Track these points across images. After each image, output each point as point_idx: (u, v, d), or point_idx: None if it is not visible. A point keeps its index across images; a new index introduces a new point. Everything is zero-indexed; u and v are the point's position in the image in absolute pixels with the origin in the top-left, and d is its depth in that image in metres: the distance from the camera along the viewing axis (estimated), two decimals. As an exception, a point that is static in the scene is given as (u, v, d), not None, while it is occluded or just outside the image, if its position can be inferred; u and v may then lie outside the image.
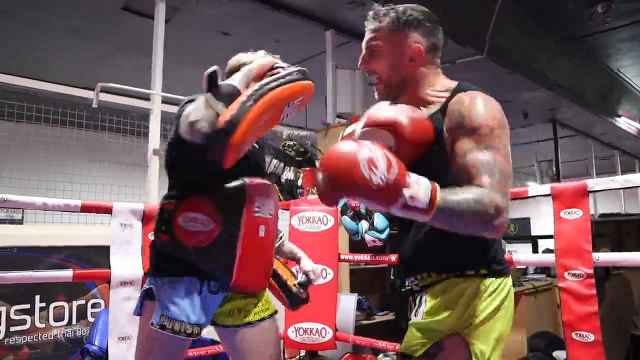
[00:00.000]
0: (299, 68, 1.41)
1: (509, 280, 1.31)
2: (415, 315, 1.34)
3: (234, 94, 1.32)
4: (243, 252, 1.53)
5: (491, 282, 1.26)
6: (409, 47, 1.32)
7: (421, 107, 1.32)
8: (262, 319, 1.67)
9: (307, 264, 1.89)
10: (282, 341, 3.42)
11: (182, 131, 1.33)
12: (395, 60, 1.33)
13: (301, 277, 1.85)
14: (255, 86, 1.33)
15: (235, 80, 1.37)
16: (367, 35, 1.37)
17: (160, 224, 1.55)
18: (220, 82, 1.33)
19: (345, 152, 1.03)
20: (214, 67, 1.32)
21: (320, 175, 1.06)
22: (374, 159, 1.01)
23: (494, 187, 1.11)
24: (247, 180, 1.58)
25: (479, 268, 1.27)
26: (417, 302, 1.36)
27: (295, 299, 1.85)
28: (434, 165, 1.23)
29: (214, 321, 1.65)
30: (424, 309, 1.30)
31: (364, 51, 1.38)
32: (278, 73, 1.38)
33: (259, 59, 1.53)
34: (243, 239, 1.53)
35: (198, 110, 1.29)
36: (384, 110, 1.27)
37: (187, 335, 1.50)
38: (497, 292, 1.26)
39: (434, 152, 1.25)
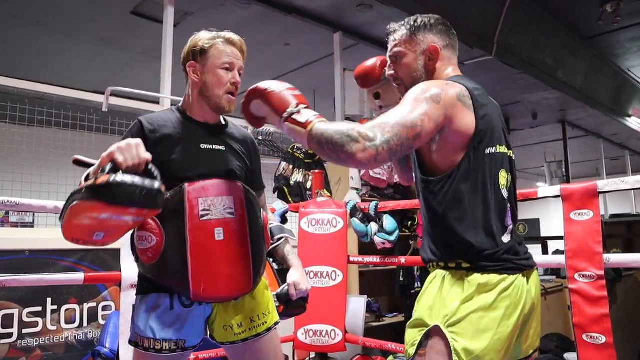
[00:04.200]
0: (99, 184, 1.18)
1: (508, 280, 1.25)
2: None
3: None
4: (196, 260, 1.45)
5: (477, 278, 1.24)
6: (427, 46, 1.44)
7: None
8: (259, 335, 1.60)
9: (292, 274, 1.68)
10: (289, 348, 3.42)
11: None
12: (418, 59, 1.45)
13: (281, 289, 1.66)
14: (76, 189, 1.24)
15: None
16: (389, 47, 1.50)
17: (131, 245, 1.56)
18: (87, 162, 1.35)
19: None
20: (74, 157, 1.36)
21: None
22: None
23: (370, 124, 1.20)
24: (185, 184, 1.49)
25: (462, 262, 1.27)
26: None
27: None
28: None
29: (214, 338, 1.63)
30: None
31: (388, 61, 1.51)
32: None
33: (114, 146, 1.26)
34: (192, 247, 1.45)
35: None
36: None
37: (157, 352, 1.46)
38: (488, 289, 1.23)
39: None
